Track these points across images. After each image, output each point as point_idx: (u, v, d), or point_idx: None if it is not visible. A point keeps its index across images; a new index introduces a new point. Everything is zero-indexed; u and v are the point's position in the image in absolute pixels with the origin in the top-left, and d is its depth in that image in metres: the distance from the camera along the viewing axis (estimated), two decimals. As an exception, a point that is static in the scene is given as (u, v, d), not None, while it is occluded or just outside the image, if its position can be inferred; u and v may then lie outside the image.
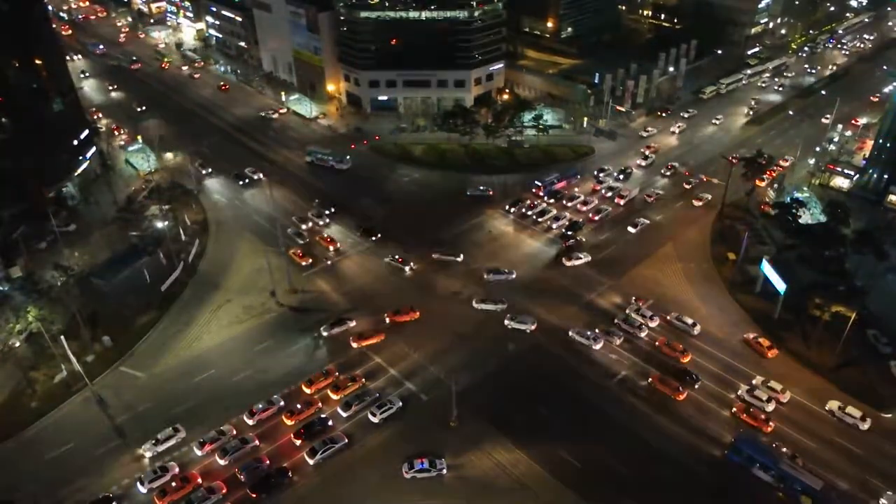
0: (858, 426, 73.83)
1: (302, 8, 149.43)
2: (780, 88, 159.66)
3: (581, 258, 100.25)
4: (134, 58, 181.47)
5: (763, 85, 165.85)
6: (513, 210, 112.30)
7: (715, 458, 70.94)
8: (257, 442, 72.21)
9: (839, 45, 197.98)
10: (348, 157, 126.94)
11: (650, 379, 79.80)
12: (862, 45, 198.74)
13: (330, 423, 74.24)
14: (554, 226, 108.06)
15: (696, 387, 78.94)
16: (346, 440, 72.07)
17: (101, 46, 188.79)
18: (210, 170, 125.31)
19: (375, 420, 74.29)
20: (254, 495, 66.72)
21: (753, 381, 79.29)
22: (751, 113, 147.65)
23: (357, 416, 75.34)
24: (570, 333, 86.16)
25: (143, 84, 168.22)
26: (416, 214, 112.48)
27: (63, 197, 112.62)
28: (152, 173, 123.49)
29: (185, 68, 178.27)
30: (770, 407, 75.78)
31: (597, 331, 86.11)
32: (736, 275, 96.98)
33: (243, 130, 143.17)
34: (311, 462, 69.83)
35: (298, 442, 72.11)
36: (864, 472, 69.37)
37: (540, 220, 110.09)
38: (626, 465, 69.72)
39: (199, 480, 68.00)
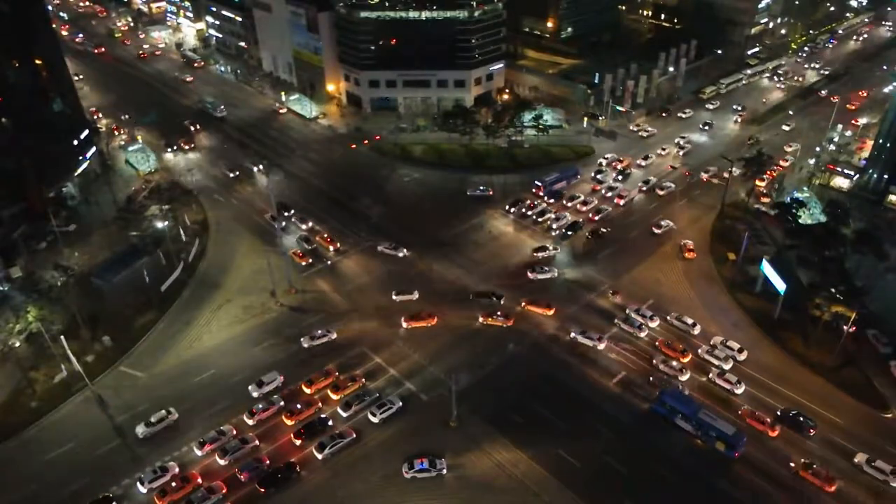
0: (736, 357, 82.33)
1: (302, 8, 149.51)
2: (707, 127, 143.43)
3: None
4: (95, 41, 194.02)
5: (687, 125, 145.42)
6: (513, 210, 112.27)
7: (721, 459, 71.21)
8: (257, 442, 72.24)
9: (776, 77, 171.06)
10: (223, 106, 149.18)
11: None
12: (800, 79, 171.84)
13: (330, 422, 74.30)
14: (554, 225, 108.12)
15: (501, 301, 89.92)
16: (354, 435, 72.40)
17: (81, 35, 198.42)
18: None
19: (375, 420, 74.32)
20: (262, 490, 66.93)
21: (712, 341, 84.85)
22: (680, 154, 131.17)
23: (357, 416, 75.35)
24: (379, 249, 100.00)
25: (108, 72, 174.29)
26: (417, 214, 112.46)
27: (63, 197, 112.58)
28: (152, 173, 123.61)
29: (140, 37, 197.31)
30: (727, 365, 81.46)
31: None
32: (736, 275, 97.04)
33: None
34: (319, 456, 70.18)
35: (298, 442, 72.17)
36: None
37: (540, 220, 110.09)
38: (626, 465, 69.78)
39: (199, 480, 68.03)
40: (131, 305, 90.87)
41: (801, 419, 74.10)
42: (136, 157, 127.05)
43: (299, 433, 72.63)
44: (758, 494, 67.18)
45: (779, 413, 75.54)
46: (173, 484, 67.13)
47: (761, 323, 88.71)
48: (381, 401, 76.04)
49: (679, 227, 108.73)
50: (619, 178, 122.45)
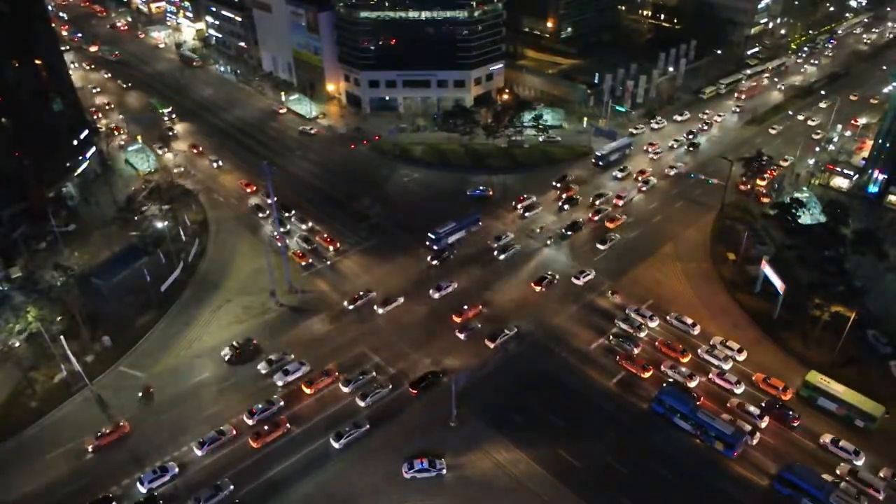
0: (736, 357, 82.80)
1: (302, 8, 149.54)
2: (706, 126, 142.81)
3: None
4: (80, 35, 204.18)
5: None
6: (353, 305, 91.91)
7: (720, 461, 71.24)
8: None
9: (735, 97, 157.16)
10: (117, 52, 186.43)
11: None
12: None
13: (443, 376, 78.92)
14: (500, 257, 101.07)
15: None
16: (368, 426, 73.25)
17: (80, 34, 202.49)
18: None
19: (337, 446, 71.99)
20: (414, 392, 75.54)
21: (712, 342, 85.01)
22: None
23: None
24: None
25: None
26: (416, 214, 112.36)
27: (63, 197, 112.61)
28: (152, 173, 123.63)
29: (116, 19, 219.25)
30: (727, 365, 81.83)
31: None
32: (736, 275, 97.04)
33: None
34: (336, 446, 71.15)
35: (415, 392, 77.26)
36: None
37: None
38: (625, 465, 69.84)
39: (288, 426, 72.67)
40: (131, 305, 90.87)
41: (786, 411, 75.06)
42: (136, 157, 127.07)
43: (413, 385, 77.12)
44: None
45: (763, 405, 76.15)
46: (266, 427, 71.98)
47: (761, 323, 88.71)
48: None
49: (679, 228, 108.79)
50: (618, 176, 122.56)
